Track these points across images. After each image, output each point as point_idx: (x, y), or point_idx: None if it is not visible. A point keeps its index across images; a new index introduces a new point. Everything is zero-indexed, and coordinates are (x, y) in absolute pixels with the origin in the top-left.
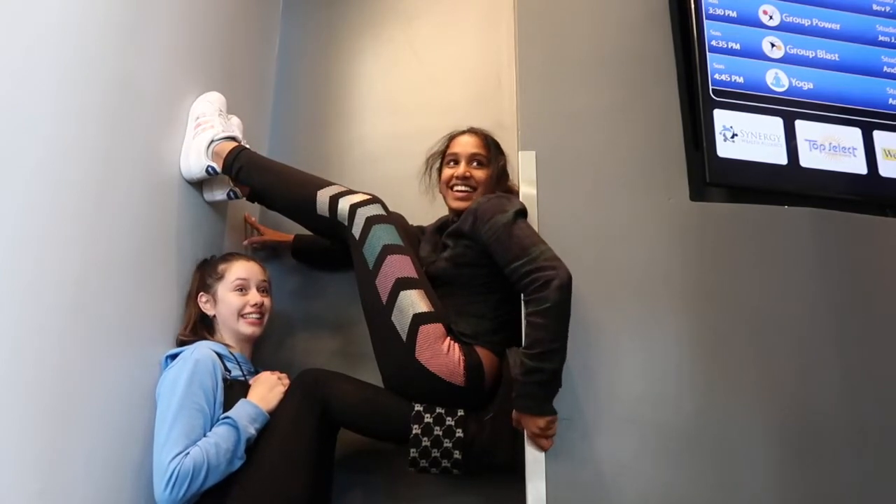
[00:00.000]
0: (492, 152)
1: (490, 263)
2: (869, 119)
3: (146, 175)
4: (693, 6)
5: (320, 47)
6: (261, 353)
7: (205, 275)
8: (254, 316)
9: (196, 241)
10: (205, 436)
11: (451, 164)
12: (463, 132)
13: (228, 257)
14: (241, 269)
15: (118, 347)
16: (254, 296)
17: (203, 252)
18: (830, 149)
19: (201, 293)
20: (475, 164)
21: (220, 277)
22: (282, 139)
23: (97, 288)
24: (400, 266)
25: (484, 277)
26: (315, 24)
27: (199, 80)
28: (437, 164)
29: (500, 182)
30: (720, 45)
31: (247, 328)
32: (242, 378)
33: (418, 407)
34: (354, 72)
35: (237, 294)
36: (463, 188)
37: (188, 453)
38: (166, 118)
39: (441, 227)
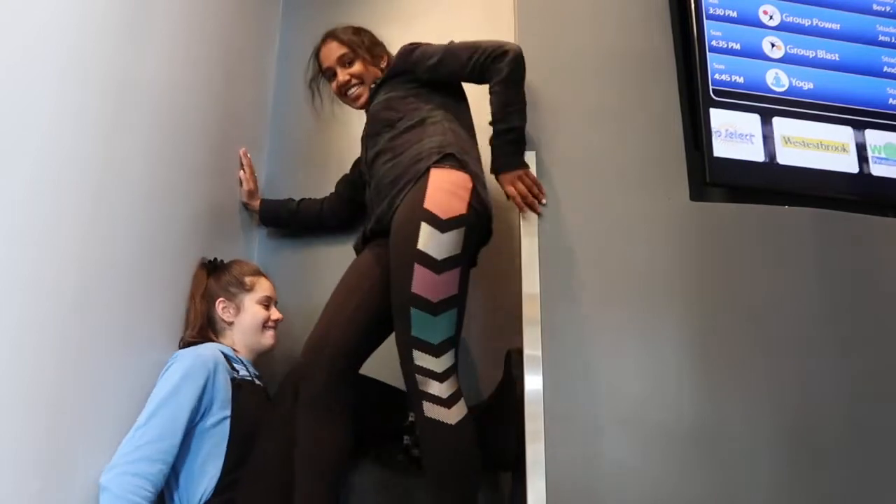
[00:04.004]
0: (352, 42)
1: (429, 87)
2: (869, 119)
3: (145, 175)
4: (693, 6)
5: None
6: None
7: (223, 281)
8: (273, 329)
9: (195, 241)
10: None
11: (331, 77)
12: (321, 44)
13: (253, 270)
14: (268, 287)
15: (118, 347)
16: (275, 312)
17: (201, 251)
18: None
19: (221, 299)
20: (347, 64)
21: (250, 289)
22: (282, 139)
23: (97, 288)
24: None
25: (428, 101)
26: (315, 25)
27: (199, 80)
28: (320, 84)
29: (375, 54)
30: (720, 45)
31: (269, 340)
32: (250, 378)
33: None
34: None
35: (262, 308)
36: (353, 90)
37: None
38: (166, 118)
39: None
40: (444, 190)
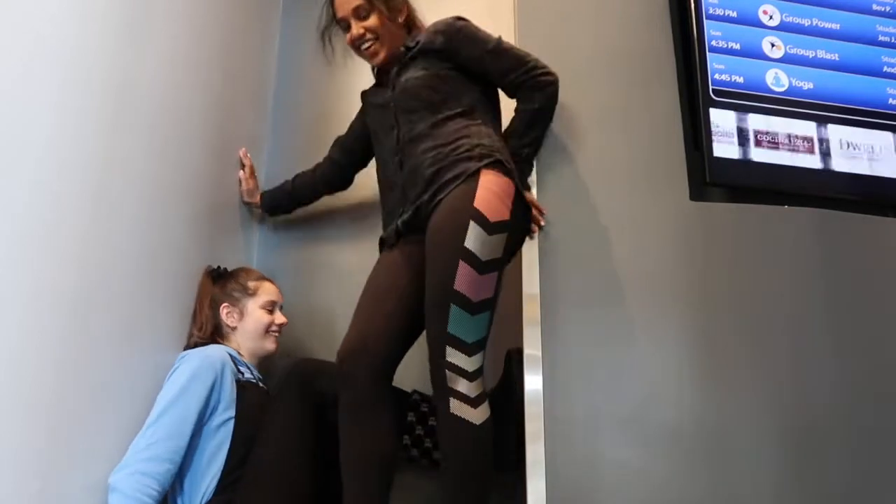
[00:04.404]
0: None
1: (469, 76)
2: (869, 119)
3: (146, 176)
4: (693, 6)
5: (320, 47)
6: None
7: (228, 287)
8: (276, 334)
9: (195, 241)
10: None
11: (345, 27)
12: None
13: (258, 276)
14: (272, 292)
15: (118, 348)
16: (279, 317)
17: (201, 251)
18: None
19: (226, 304)
20: (362, 16)
21: (253, 294)
22: (282, 139)
23: (97, 288)
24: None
25: (467, 93)
26: (315, 25)
27: (199, 80)
28: (333, 34)
29: (394, 7)
30: (720, 45)
31: (271, 345)
32: (254, 381)
33: (416, 396)
34: (355, 72)
35: (266, 312)
36: (367, 45)
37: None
38: (166, 118)
39: (379, 80)
40: (494, 193)
